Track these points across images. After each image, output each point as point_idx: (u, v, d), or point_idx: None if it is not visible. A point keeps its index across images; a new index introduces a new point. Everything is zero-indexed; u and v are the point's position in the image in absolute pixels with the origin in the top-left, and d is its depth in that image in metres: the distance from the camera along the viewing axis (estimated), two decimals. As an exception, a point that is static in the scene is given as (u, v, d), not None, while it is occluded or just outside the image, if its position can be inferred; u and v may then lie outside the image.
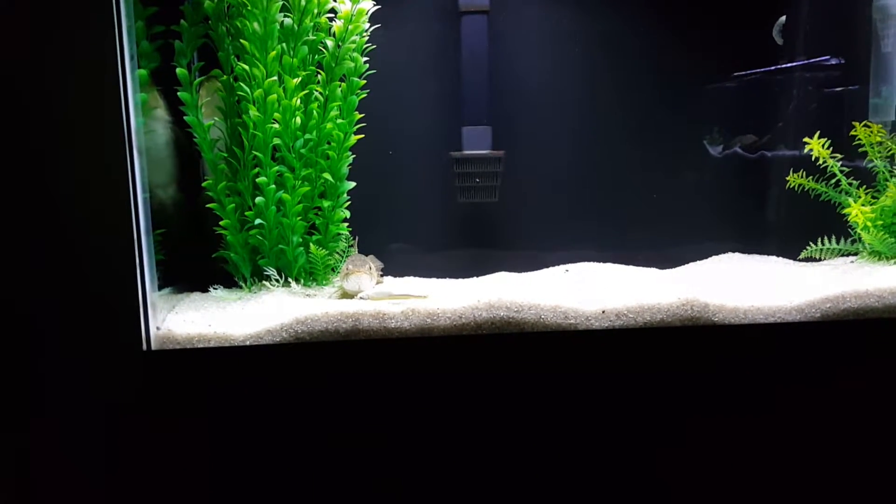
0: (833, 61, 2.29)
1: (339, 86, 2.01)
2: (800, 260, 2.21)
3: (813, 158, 2.08)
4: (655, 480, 1.63)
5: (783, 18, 2.32)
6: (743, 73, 2.36)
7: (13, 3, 1.41)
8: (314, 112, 1.98)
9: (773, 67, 2.34)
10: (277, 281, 1.95)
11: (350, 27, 1.97)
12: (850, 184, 2.08)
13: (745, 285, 1.87)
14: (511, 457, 1.60)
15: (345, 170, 2.05)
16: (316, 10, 1.96)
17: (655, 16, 2.31)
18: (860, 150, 2.07)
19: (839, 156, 2.07)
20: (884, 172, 2.05)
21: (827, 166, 2.07)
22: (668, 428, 1.61)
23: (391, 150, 2.28)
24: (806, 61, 2.31)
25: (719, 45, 2.32)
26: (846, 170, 2.08)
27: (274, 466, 1.57)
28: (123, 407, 1.53)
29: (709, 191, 2.40)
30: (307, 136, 1.97)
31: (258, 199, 1.92)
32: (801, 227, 2.22)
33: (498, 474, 1.61)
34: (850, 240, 2.10)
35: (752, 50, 2.35)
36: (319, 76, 2.00)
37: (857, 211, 1.98)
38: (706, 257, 2.37)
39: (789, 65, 2.33)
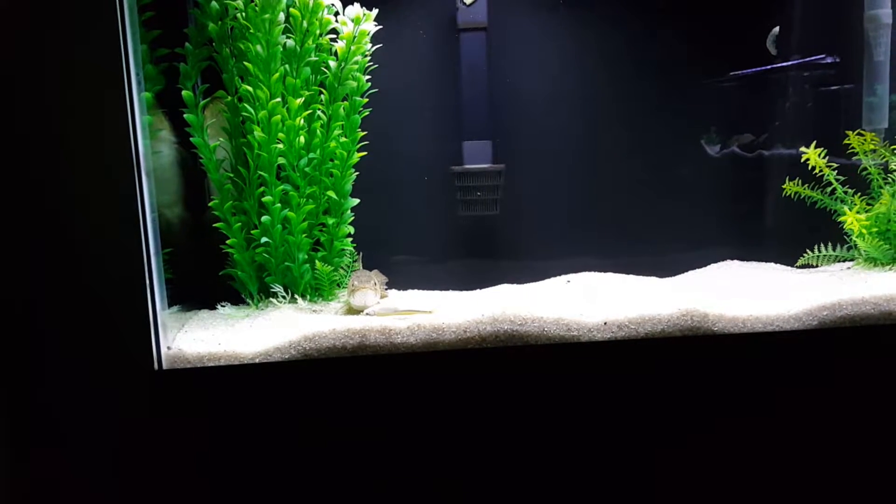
0: (829, 59, 2.32)
1: (342, 105, 2.04)
2: (797, 267, 2.24)
3: (809, 168, 2.11)
4: (657, 489, 1.66)
5: (776, 29, 2.35)
6: (739, 72, 2.39)
7: (20, 23, 1.45)
8: (317, 131, 2.01)
9: (769, 66, 2.37)
10: (284, 297, 1.97)
11: (352, 48, 2.00)
12: (846, 191, 2.11)
13: (743, 294, 1.90)
14: (517, 468, 1.63)
15: (348, 187, 2.09)
16: (318, 32, 1.99)
17: (652, 22, 2.34)
18: (854, 157, 2.10)
19: (835, 164, 2.10)
20: (878, 179, 2.08)
21: (823, 175, 2.10)
22: (671, 437, 1.64)
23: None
24: (802, 60, 2.34)
25: (715, 46, 2.35)
26: (842, 178, 2.11)
27: (285, 482, 1.60)
28: (135, 427, 1.55)
29: (707, 195, 2.42)
30: (311, 154, 2.00)
31: (264, 218, 1.95)
32: (799, 232, 2.25)
33: (504, 486, 1.64)
34: (846, 246, 2.13)
35: (748, 49, 2.38)
36: (322, 96, 2.03)
37: (853, 218, 2.01)
38: (705, 264, 2.40)
39: (785, 63, 2.35)
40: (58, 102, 1.47)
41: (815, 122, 2.33)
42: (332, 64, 2.01)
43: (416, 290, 2.25)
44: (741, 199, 2.43)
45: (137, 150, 1.51)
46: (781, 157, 2.38)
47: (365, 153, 2.10)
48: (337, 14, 2.02)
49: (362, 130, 2.09)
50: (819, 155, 2.09)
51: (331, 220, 2.06)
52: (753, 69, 2.37)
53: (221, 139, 2.01)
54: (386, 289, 2.15)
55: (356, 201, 2.11)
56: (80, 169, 1.48)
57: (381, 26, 2.06)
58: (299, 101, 1.93)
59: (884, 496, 1.66)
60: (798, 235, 2.24)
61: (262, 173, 1.94)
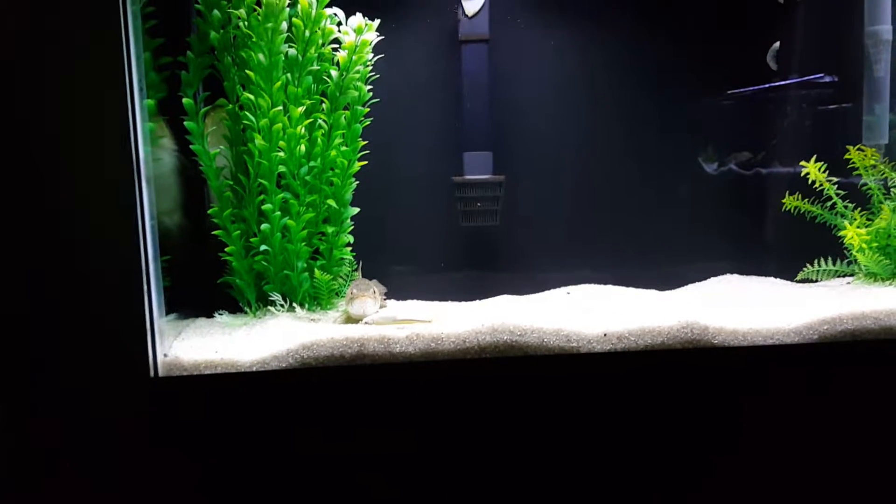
0: (827, 79, 2.33)
1: (343, 114, 2.04)
2: (797, 281, 2.24)
3: (809, 182, 2.11)
4: (655, 502, 1.64)
5: (777, 45, 2.37)
6: (738, 90, 2.40)
7: (22, 28, 1.45)
8: (318, 140, 2.02)
9: (767, 85, 2.39)
10: (282, 306, 1.97)
11: (354, 58, 2.01)
12: (846, 206, 2.11)
13: (744, 307, 1.89)
14: (515, 479, 1.62)
15: (348, 196, 2.09)
16: (320, 41, 2.00)
17: (651, 39, 2.36)
18: (854, 173, 2.10)
19: (835, 179, 2.11)
20: (878, 195, 2.08)
21: (823, 189, 2.10)
22: (669, 450, 1.63)
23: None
24: (800, 79, 2.36)
25: (714, 64, 2.37)
26: (842, 192, 2.11)
27: (281, 491, 1.58)
28: (130, 433, 1.54)
29: (706, 210, 2.43)
30: (312, 163, 2.00)
31: (263, 226, 1.94)
32: (799, 247, 2.25)
33: (502, 497, 1.62)
34: (846, 261, 2.13)
35: (747, 67, 2.40)
36: (324, 104, 2.04)
37: (853, 233, 2.01)
38: (705, 278, 2.40)
39: (783, 82, 2.37)
40: (59, 108, 1.47)
41: (813, 140, 2.34)
42: (334, 73, 2.02)
43: (415, 301, 2.24)
44: (741, 214, 2.43)
45: (138, 157, 1.51)
46: (782, 173, 2.38)
47: (365, 162, 2.10)
48: (339, 24, 2.02)
49: (363, 140, 2.09)
50: (819, 169, 2.09)
51: (330, 229, 2.05)
52: (751, 87, 2.39)
53: (222, 147, 2.00)
54: (385, 299, 2.14)
55: (356, 210, 2.11)
56: (80, 174, 1.48)
57: (382, 37, 2.07)
58: (300, 109, 1.93)
59: (885, 512, 1.65)
60: (798, 249, 2.24)
61: (262, 181, 1.94)
